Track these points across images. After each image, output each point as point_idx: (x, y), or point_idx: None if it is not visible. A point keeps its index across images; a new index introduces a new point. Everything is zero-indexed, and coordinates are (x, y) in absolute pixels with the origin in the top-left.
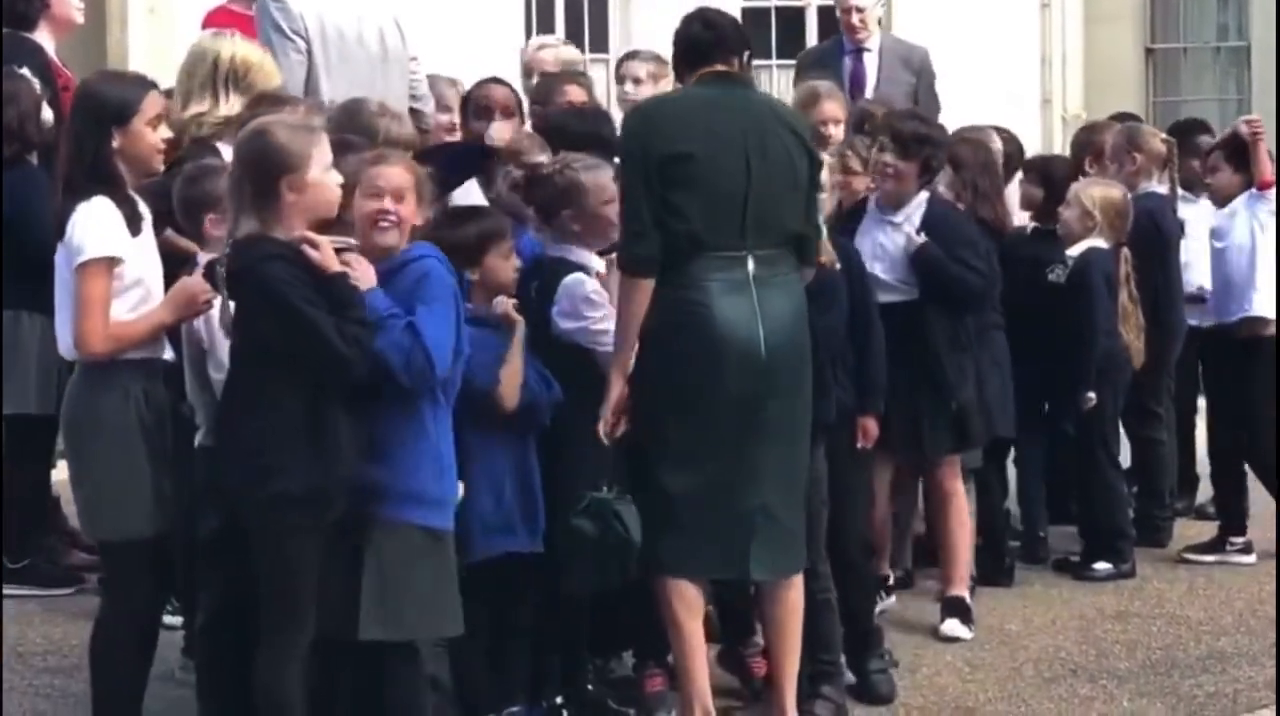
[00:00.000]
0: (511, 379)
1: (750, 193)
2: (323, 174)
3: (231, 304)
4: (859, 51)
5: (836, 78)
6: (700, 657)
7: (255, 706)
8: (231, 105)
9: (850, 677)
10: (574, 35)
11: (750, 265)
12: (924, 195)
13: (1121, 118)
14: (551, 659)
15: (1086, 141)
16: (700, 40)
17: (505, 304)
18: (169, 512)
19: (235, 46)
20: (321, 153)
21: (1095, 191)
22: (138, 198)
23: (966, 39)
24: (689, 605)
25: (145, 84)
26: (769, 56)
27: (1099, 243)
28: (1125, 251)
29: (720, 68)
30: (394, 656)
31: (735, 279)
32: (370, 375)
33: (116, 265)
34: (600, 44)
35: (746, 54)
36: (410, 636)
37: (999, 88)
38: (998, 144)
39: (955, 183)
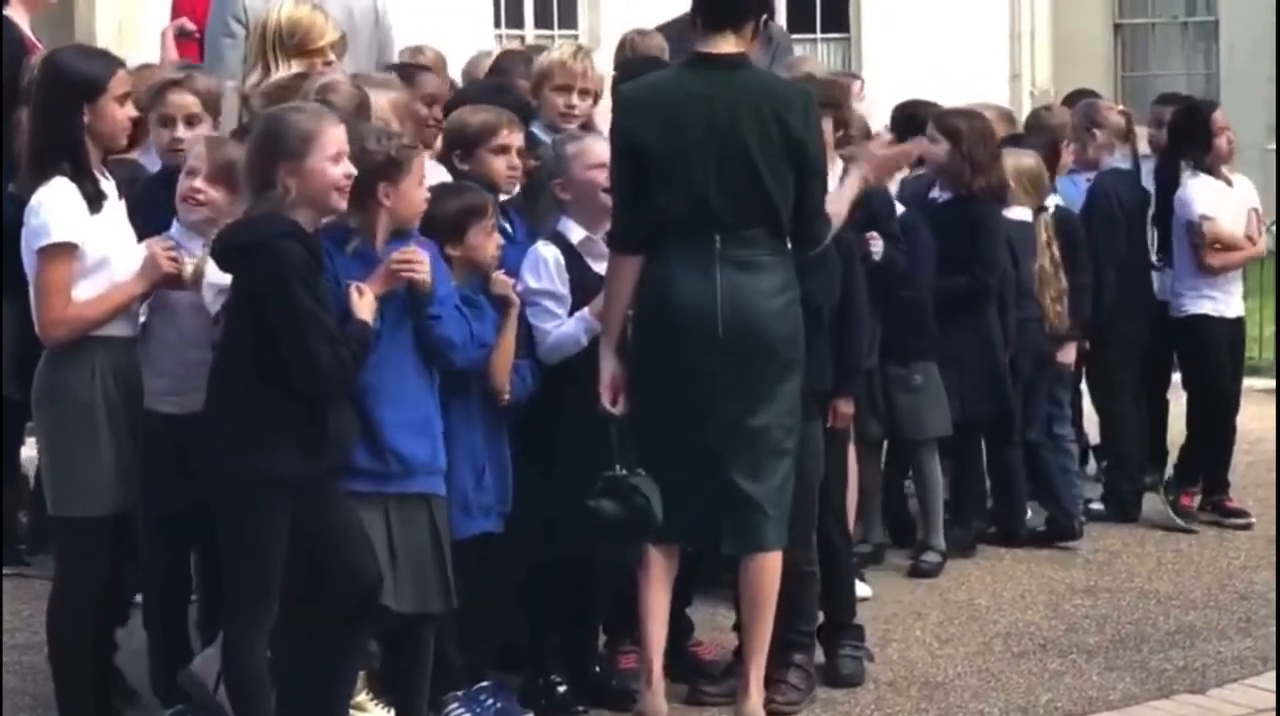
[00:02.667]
0: (503, 359)
1: (716, 180)
2: (324, 163)
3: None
4: None
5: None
6: (656, 620)
7: (226, 682)
8: (284, 69)
9: (819, 656)
10: (543, 12)
11: (718, 245)
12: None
13: (1076, 96)
14: (551, 635)
15: (1039, 125)
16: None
17: (504, 284)
18: (132, 490)
19: (281, 11)
20: (327, 140)
21: (1008, 162)
22: (101, 175)
23: (936, 14)
24: (653, 568)
25: (114, 60)
26: (813, 30)
27: (1020, 211)
28: (1045, 217)
29: (717, 49)
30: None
31: (700, 258)
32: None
33: (75, 249)
34: (569, 21)
35: (765, 17)
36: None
37: (968, 63)
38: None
39: (953, 155)
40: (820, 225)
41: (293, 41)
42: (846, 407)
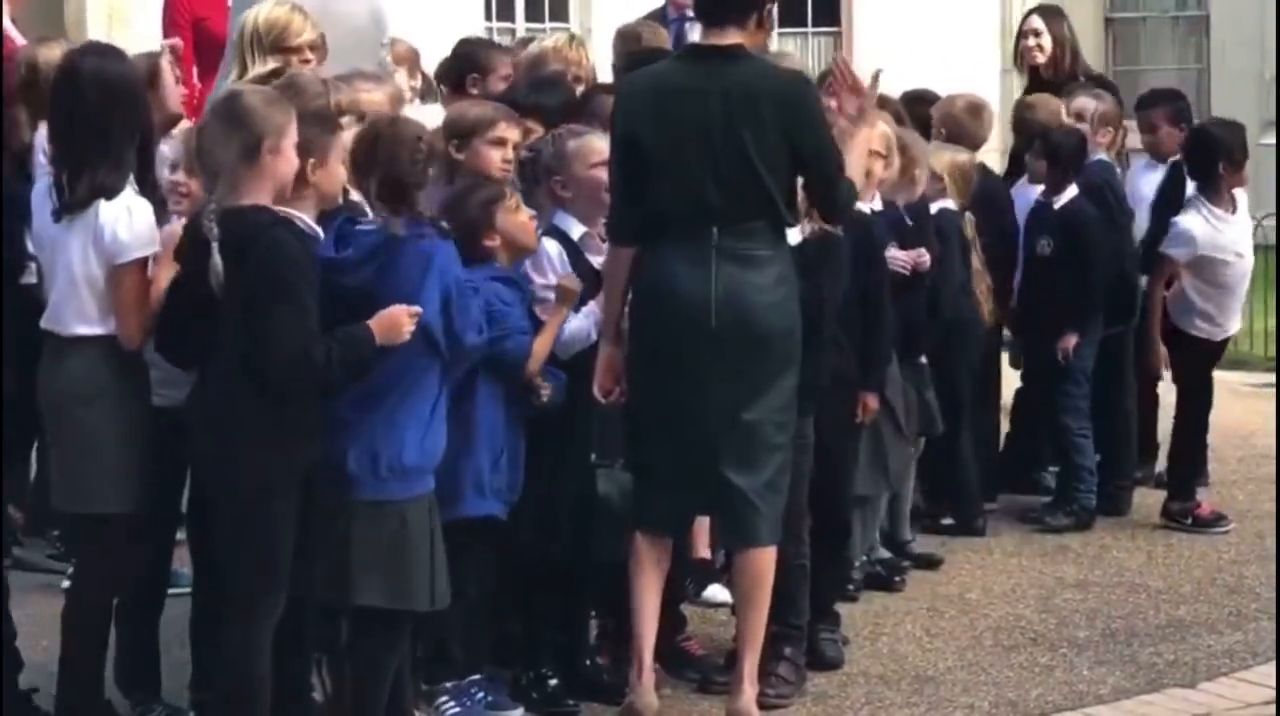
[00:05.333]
0: (543, 346)
1: (712, 173)
2: (290, 146)
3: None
4: (683, 19)
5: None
6: (646, 612)
7: (224, 677)
8: (260, 68)
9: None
10: (533, 5)
11: (715, 238)
12: None
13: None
14: (543, 629)
15: (1025, 119)
16: None
17: (566, 278)
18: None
19: (260, 10)
20: (293, 126)
21: (944, 156)
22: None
23: (928, 8)
24: (644, 560)
25: None
26: (804, 24)
27: (949, 204)
28: (969, 215)
29: (716, 41)
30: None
31: (696, 251)
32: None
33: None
34: (560, 14)
35: (769, 7)
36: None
37: (959, 57)
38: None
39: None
40: (844, 190)
41: (269, 39)
42: (874, 403)
